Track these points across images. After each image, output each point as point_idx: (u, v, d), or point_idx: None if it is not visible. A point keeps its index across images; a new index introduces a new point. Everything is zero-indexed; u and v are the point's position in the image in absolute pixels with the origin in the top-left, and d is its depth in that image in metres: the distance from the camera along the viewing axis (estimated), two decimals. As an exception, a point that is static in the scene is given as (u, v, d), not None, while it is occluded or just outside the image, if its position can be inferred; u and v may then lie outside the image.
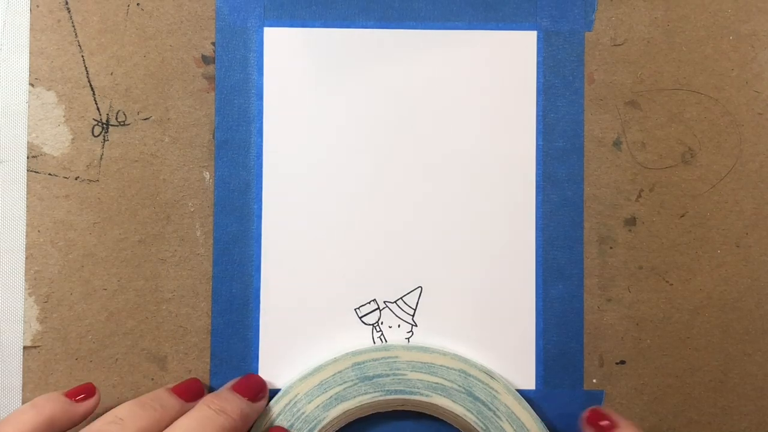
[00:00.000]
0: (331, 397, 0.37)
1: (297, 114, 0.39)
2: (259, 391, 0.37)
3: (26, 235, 0.38)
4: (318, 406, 0.37)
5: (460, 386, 0.37)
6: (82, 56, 0.39)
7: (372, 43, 0.39)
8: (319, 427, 0.37)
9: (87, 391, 0.35)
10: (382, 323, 0.39)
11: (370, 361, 0.38)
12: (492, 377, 0.38)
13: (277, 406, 0.37)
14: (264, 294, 0.39)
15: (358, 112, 0.39)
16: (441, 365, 0.38)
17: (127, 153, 0.39)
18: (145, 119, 0.39)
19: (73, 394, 0.35)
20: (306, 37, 0.39)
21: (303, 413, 0.37)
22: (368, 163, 0.39)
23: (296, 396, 0.37)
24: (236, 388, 0.36)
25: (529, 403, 0.38)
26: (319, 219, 0.39)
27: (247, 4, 0.39)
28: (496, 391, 0.37)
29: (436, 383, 0.37)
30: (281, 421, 0.37)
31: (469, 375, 0.38)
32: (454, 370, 0.38)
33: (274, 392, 0.38)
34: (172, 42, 0.39)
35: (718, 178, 0.39)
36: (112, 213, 0.39)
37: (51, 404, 0.33)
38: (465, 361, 0.38)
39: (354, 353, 0.38)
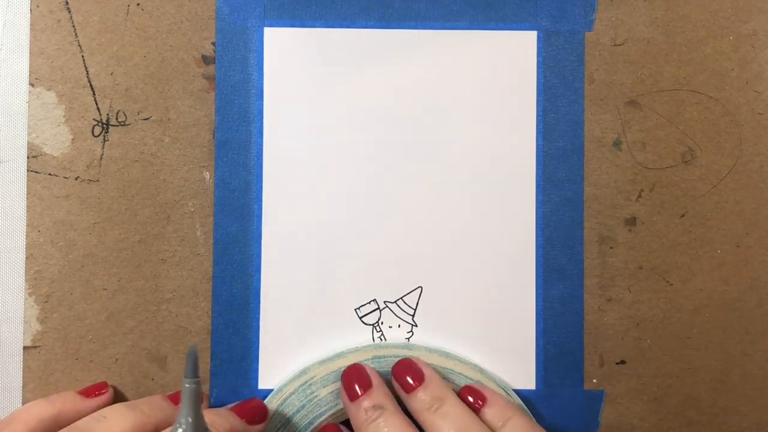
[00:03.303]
0: None
1: (297, 114, 0.39)
2: (257, 414, 0.36)
3: (26, 235, 0.38)
4: (332, 392, 0.37)
5: None
6: (82, 56, 0.39)
7: (372, 43, 0.39)
8: (330, 412, 0.37)
9: (99, 388, 0.37)
10: (382, 323, 0.39)
11: (391, 356, 0.38)
12: (508, 394, 0.38)
13: (291, 385, 0.37)
14: (264, 294, 0.39)
15: (358, 112, 0.39)
16: (459, 373, 0.38)
17: (127, 153, 0.39)
18: (145, 119, 0.39)
19: (87, 392, 0.36)
20: (306, 37, 0.39)
21: (316, 396, 0.37)
22: (368, 163, 0.39)
23: (312, 378, 0.37)
24: (235, 409, 0.36)
25: (529, 403, 0.38)
26: (319, 219, 0.39)
27: (247, 4, 0.39)
28: None
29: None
30: (293, 400, 0.37)
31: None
32: (471, 380, 0.38)
33: (266, 394, 0.38)
34: (172, 42, 0.39)
35: (718, 178, 0.39)
36: (112, 213, 0.39)
37: (62, 399, 0.35)
38: (484, 372, 0.38)
39: (377, 346, 0.38)
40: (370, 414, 0.34)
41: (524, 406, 0.38)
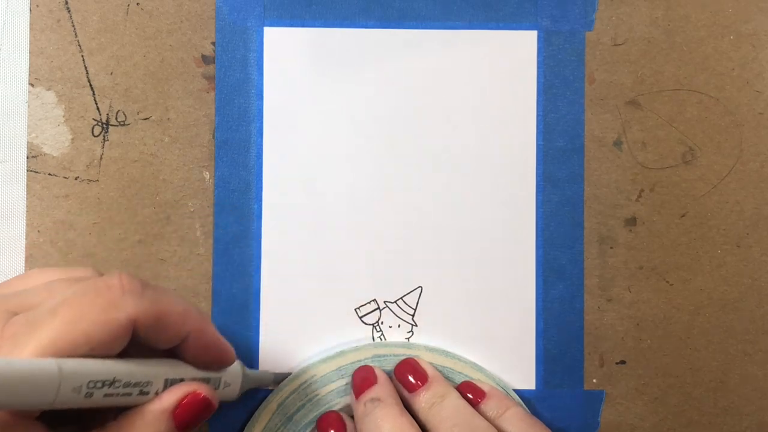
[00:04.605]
0: (346, 384, 0.37)
1: (297, 114, 0.39)
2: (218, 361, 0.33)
3: (26, 235, 0.38)
4: (332, 391, 0.37)
5: None
6: (82, 56, 0.39)
7: (372, 43, 0.39)
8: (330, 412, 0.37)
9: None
10: (382, 323, 0.39)
11: (391, 355, 0.38)
12: (508, 394, 0.38)
13: (291, 384, 0.37)
14: (264, 294, 0.38)
15: (358, 112, 0.39)
16: (459, 372, 0.38)
17: (127, 153, 0.39)
18: (145, 119, 0.39)
19: None
20: (306, 37, 0.39)
21: (317, 395, 0.37)
22: (368, 163, 0.39)
23: (312, 377, 0.37)
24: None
25: (529, 403, 0.38)
26: (319, 219, 0.39)
27: (247, 4, 0.39)
28: None
29: None
30: (293, 400, 0.37)
31: None
32: (472, 379, 0.37)
33: (266, 393, 0.38)
34: (172, 42, 0.39)
35: (718, 178, 0.39)
36: (112, 213, 0.39)
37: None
38: (484, 371, 0.38)
39: (377, 345, 0.38)
40: (368, 407, 0.35)
41: (524, 405, 0.38)
